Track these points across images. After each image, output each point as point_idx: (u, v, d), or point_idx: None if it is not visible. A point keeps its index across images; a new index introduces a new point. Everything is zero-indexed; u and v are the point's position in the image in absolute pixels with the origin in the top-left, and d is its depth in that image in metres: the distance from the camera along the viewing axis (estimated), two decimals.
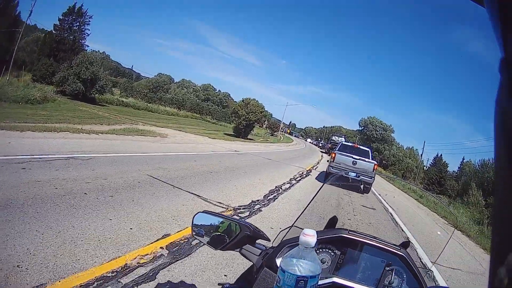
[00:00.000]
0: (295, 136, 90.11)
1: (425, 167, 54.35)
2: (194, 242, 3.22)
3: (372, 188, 11.53)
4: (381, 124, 56.58)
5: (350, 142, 19.06)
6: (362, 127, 58.77)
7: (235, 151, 14.55)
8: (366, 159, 11.09)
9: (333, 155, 11.29)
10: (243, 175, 8.22)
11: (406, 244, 1.19)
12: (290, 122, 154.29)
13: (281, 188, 7.67)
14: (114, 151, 7.22)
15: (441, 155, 60.86)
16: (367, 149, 12.58)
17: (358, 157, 10.92)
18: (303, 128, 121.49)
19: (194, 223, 1.19)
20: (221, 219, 1.17)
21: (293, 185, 8.70)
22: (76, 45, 31.16)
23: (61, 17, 30.58)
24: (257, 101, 33.04)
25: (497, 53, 0.30)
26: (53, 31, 30.79)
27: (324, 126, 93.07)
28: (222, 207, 4.92)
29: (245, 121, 31.20)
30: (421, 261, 4.66)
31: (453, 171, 51.40)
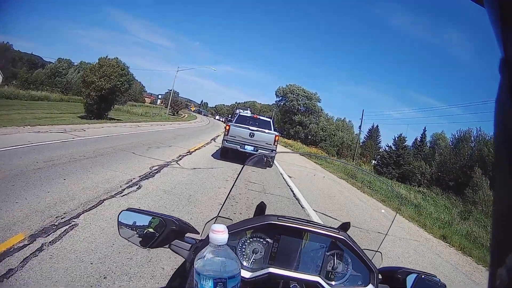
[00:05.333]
0: (204, 114, 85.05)
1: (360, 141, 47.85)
2: None
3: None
4: (304, 92, 48.87)
5: (250, 112, 14.78)
6: (280, 97, 50.80)
7: None
8: (266, 130, 10.15)
9: (227, 127, 10.26)
10: None
11: (346, 226, 1.11)
12: (202, 101, 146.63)
13: None
14: None
15: (377, 126, 53.94)
16: (268, 119, 11.50)
17: (256, 129, 10.05)
18: (214, 106, 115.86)
19: (120, 221, 1.08)
20: (149, 217, 1.08)
21: None
22: None
23: None
24: (117, 59, 22.41)
25: (497, 53, 0.29)
26: None
27: (236, 102, 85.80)
28: None
29: (95, 91, 20.46)
30: None
31: (409, 147, 42.14)
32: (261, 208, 1.12)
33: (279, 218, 1.01)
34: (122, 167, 6.46)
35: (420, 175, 33.60)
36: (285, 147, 32.91)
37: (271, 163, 10.52)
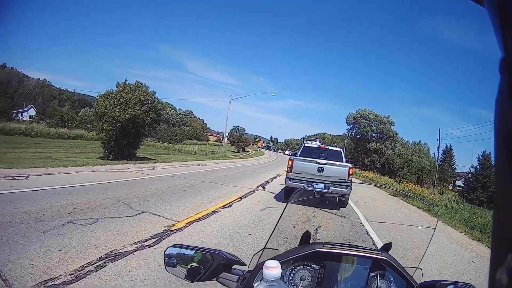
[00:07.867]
0: (273, 150, 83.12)
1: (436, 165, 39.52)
2: None
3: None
4: (376, 116, 41.31)
5: (316, 143, 9.98)
6: (351, 125, 43.85)
7: None
8: (337, 163, 8.31)
9: (290, 162, 8.32)
10: None
11: (387, 247, 1.13)
12: (271, 136, 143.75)
13: None
14: None
15: (450, 146, 47.23)
16: (338, 149, 9.40)
17: (325, 162, 8.21)
18: (284, 141, 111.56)
19: (166, 257, 1.09)
20: (193, 251, 1.09)
21: None
22: None
23: None
24: (139, 83, 17.47)
25: (497, 52, 0.29)
26: None
27: (306, 135, 79.71)
28: None
29: (108, 124, 15.40)
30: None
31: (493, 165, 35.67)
32: (306, 237, 1.11)
33: (324, 245, 1.03)
34: None
35: None
36: (366, 183, 26.02)
37: (346, 202, 8.51)
